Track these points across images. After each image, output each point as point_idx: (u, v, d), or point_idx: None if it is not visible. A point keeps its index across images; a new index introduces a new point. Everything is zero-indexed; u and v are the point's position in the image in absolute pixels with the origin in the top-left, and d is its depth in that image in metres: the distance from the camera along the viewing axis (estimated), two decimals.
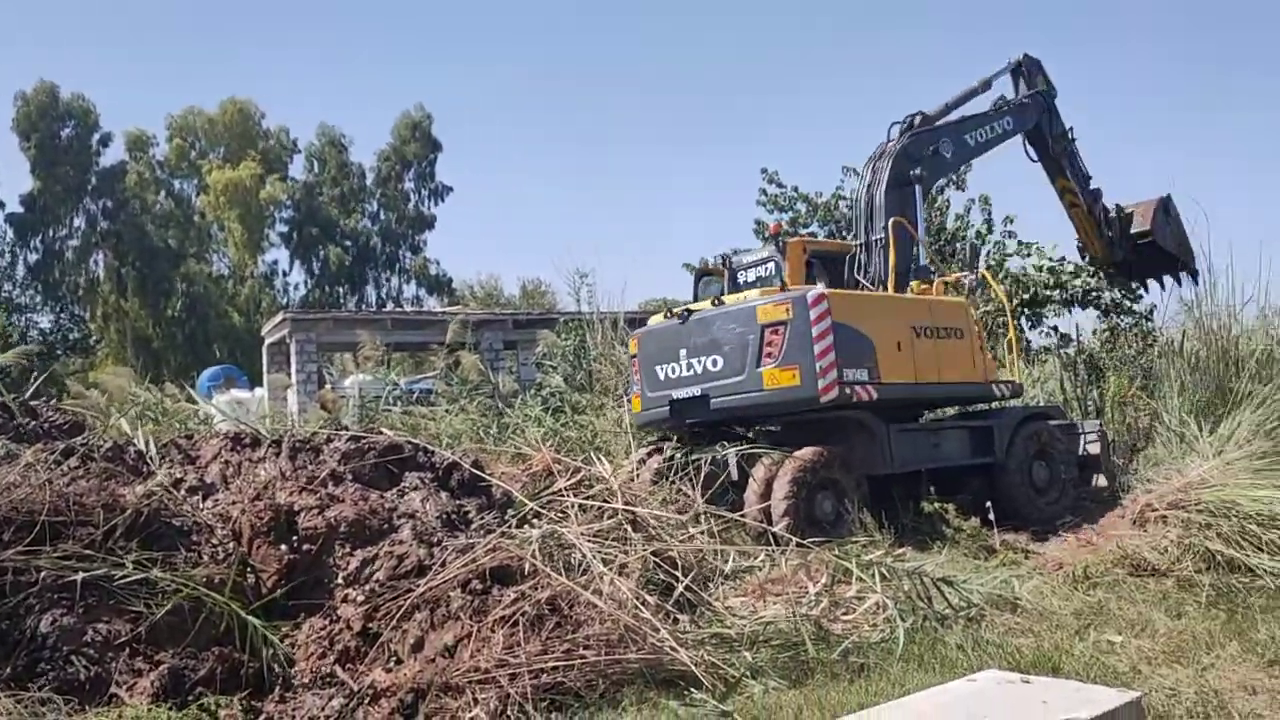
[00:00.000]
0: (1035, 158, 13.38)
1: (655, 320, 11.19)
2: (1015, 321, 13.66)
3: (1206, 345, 13.20)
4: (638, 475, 9.58)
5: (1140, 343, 14.72)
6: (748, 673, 5.23)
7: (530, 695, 4.71)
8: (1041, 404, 12.79)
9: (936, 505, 9.02)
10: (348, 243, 54.64)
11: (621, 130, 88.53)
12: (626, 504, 6.78)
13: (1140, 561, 7.45)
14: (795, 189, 25.53)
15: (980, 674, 3.41)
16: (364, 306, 51.80)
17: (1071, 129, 13.61)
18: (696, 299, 10.98)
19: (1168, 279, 14.69)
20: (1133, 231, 14.00)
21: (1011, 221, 18.18)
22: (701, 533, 7.28)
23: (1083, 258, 14.96)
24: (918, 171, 11.33)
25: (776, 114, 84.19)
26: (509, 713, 4.65)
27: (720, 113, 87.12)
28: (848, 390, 9.33)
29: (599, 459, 8.25)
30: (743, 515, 8.77)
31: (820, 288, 9.79)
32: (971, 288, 11.00)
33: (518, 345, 25.65)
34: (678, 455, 9.50)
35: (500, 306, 44.38)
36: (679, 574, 6.15)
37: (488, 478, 7.45)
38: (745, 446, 9.56)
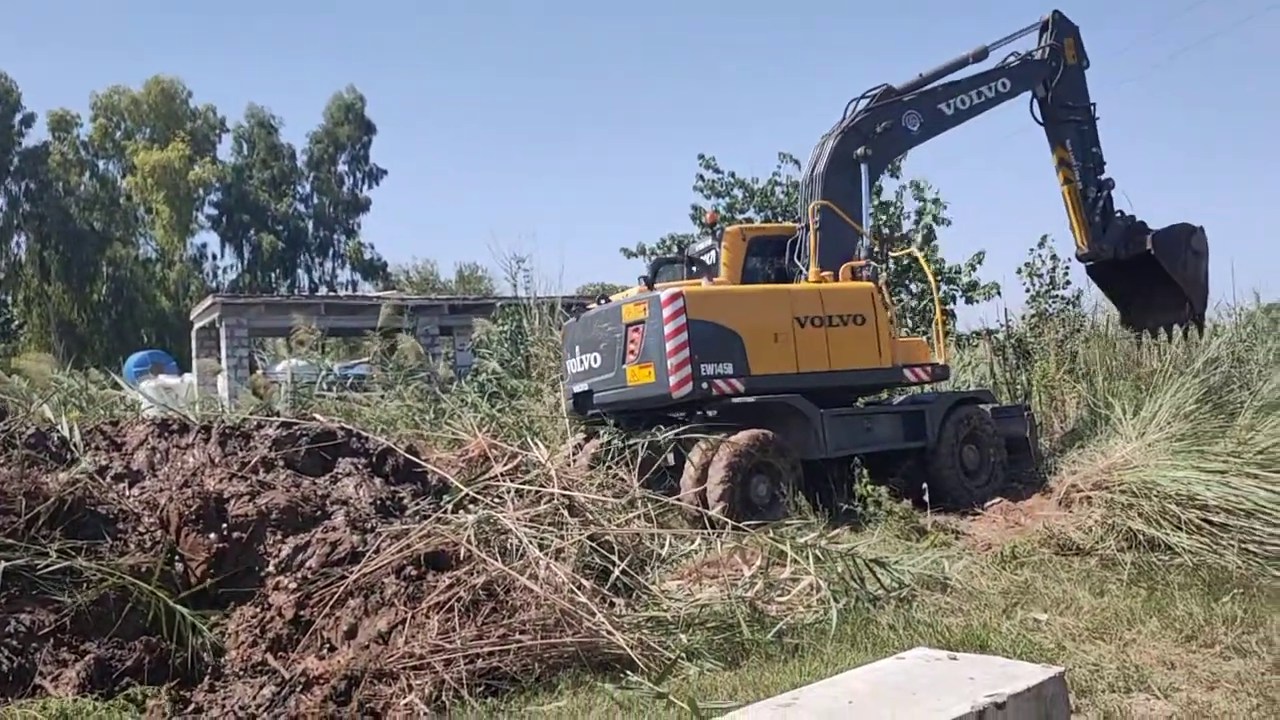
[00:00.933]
0: (1040, 121, 12.62)
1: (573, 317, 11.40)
2: (942, 305, 13.71)
3: (1129, 332, 13.53)
4: (574, 460, 9.69)
5: (1067, 327, 15.01)
6: (683, 655, 5.26)
7: (465, 680, 4.70)
8: (972, 388, 12.96)
9: (869, 488, 9.13)
10: (279, 227, 53.68)
11: (559, 114, 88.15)
12: (563, 489, 6.78)
13: (1065, 541, 7.63)
14: (732, 174, 25.57)
15: (909, 652, 3.46)
16: (296, 291, 50.96)
17: (1094, 105, 12.79)
18: (651, 286, 10.84)
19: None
20: (1133, 233, 12.63)
21: (941, 207, 18.45)
22: (638, 517, 7.32)
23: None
24: (861, 150, 11.08)
25: (714, 99, 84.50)
26: (444, 698, 4.64)
27: (658, 97, 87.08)
28: (705, 385, 9.47)
29: (535, 444, 8.24)
30: (679, 499, 8.87)
31: (676, 287, 9.87)
32: (873, 274, 10.81)
33: (454, 331, 25.45)
34: (615, 440, 9.60)
35: (436, 291, 43.93)
36: (615, 558, 6.17)
37: (423, 463, 7.40)
38: (680, 430, 9.58)
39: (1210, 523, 7.04)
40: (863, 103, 11.51)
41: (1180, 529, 7.11)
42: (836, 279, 10.64)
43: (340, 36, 77.35)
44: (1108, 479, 7.77)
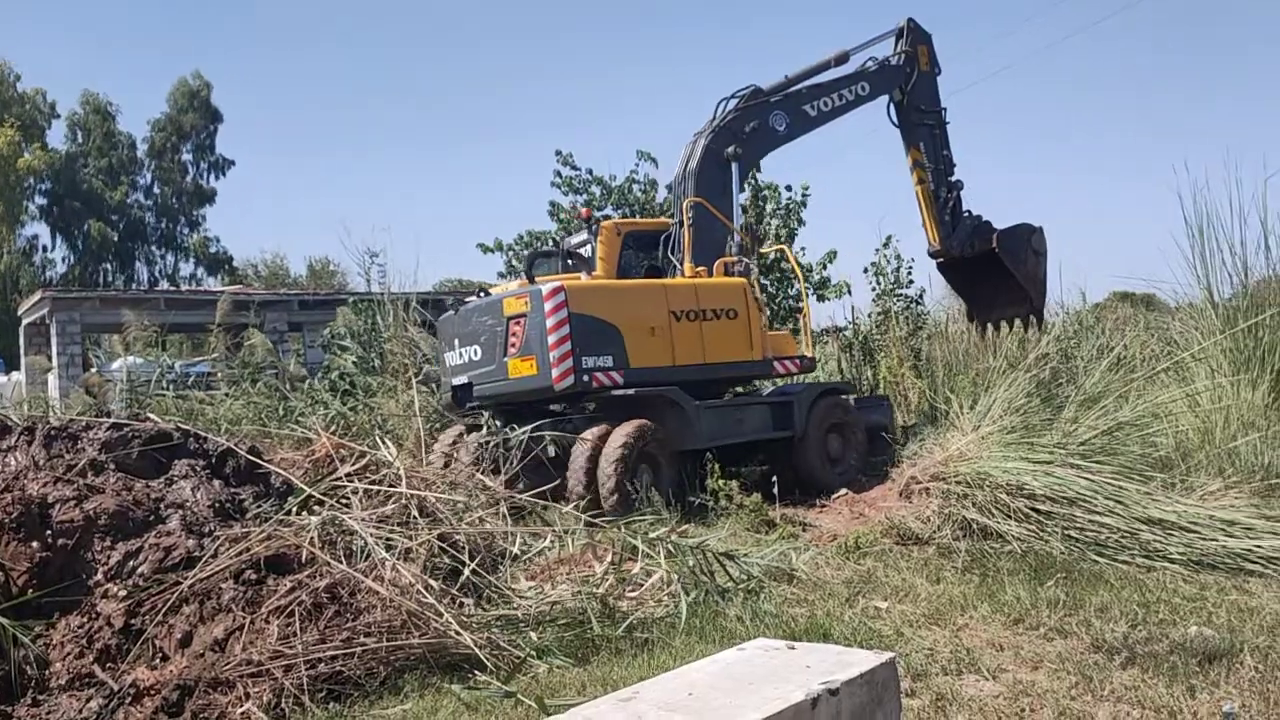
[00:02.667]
0: (896, 123, 13.13)
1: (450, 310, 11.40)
2: (808, 299, 14.12)
3: (969, 329, 14.16)
4: (455, 454, 9.90)
5: (910, 325, 15.57)
6: (533, 653, 5.24)
7: (307, 686, 4.58)
8: (836, 380, 13.38)
9: (720, 482, 9.31)
10: (114, 217, 51.03)
11: (412, 107, 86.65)
12: (412, 489, 6.66)
13: (905, 531, 7.91)
14: (589, 171, 25.56)
15: (749, 643, 3.53)
16: (135, 285, 48.61)
17: (945, 110, 13.36)
18: (532, 280, 11.02)
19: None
20: (980, 232, 13.26)
21: (802, 207, 18.85)
22: (493, 515, 7.24)
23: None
24: (732, 149, 11.32)
25: (572, 97, 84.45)
26: (283, 705, 4.50)
27: (515, 92, 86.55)
28: (585, 378, 9.66)
29: (385, 443, 8.08)
30: (565, 491, 8.97)
31: (557, 282, 10.00)
32: (745, 270, 11.08)
33: (304, 327, 24.75)
34: (492, 434, 9.70)
35: (286, 286, 42.61)
36: (466, 558, 6.10)
37: (265, 464, 7.15)
38: (543, 422, 9.67)
39: (1037, 511, 7.39)
40: (732, 103, 11.78)
41: (1010, 517, 7.44)
42: (710, 274, 10.89)
43: (186, 21, 74.22)
44: (945, 471, 8.08)
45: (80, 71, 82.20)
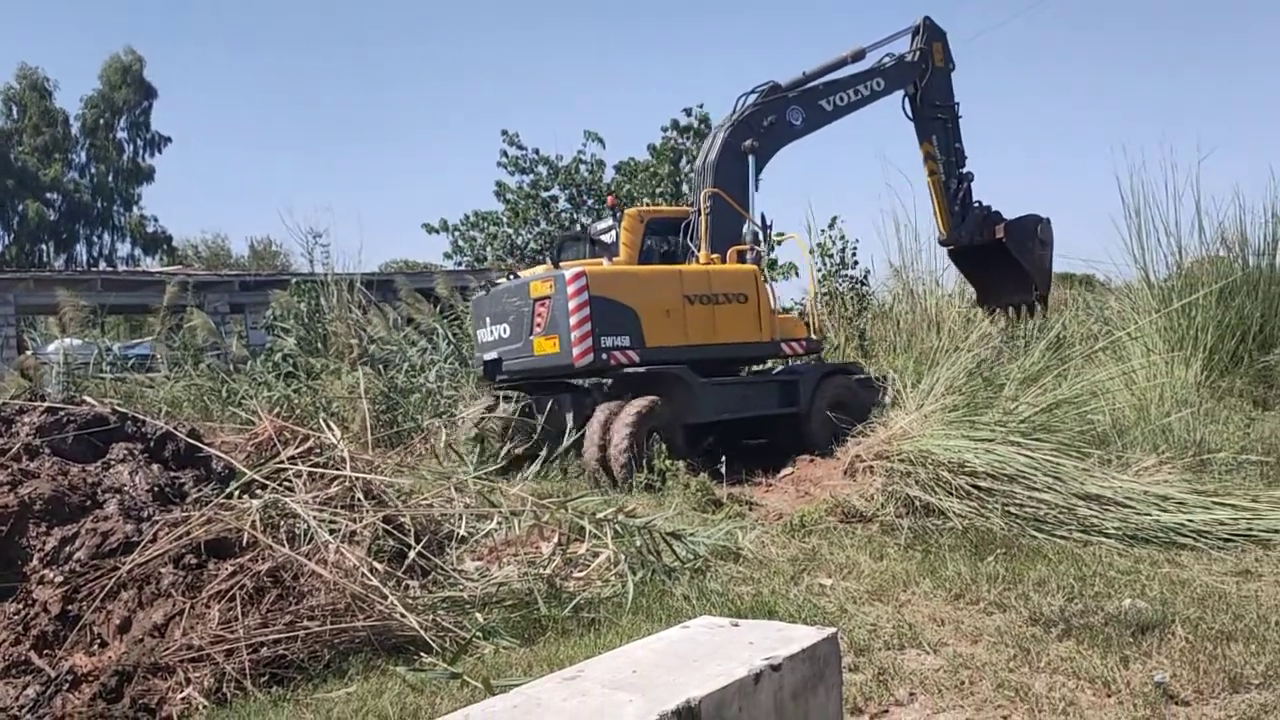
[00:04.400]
0: (910, 117, 13.64)
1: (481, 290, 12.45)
2: (816, 283, 14.48)
3: (913, 309, 14.35)
4: (483, 423, 11.14)
5: (855, 305, 15.74)
6: (479, 634, 5.23)
7: (249, 670, 4.53)
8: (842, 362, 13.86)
9: (667, 462, 9.40)
10: (50, 195, 49.74)
11: (354, 84, 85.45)
12: (357, 471, 6.60)
13: (850, 509, 7.98)
14: (536, 151, 25.40)
15: (694, 621, 3.55)
16: (73, 266, 47.48)
17: (958, 105, 13.86)
18: (557, 263, 12.27)
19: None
20: (986, 222, 13.88)
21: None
22: (444, 498, 7.19)
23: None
24: (749, 143, 11.90)
25: (517, 77, 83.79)
26: (225, 690, 4.45)
27: (458, 70, 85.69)
28: (604, 356, 10.49)
29: (329, 426, 7.99)
30: (580, 458, 10.08)
31: (579, 267, 10.79)
32: (756, 258, 11.75)
33: (246, 308, 24.38)
34: (515, 406, 10.96)
35: (228, 267, 41.93)
36: (412, 540, 6.07)
37: (206, 448, 7.05)
38: (573, 393, 11.00)
39: (978, 488, 7.50)
40: (751, 98, 12.38)
41: (952, 494, 7.55)
42: (725, 261, 11.62)
43: None
44: (888, 449, 8.18)
45: (10, 47, 79.82)
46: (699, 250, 11.73)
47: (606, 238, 12.18)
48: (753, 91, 12.38)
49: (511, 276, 11.75)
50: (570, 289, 10.42)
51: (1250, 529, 6.78)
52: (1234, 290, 11.65)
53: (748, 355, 12.19)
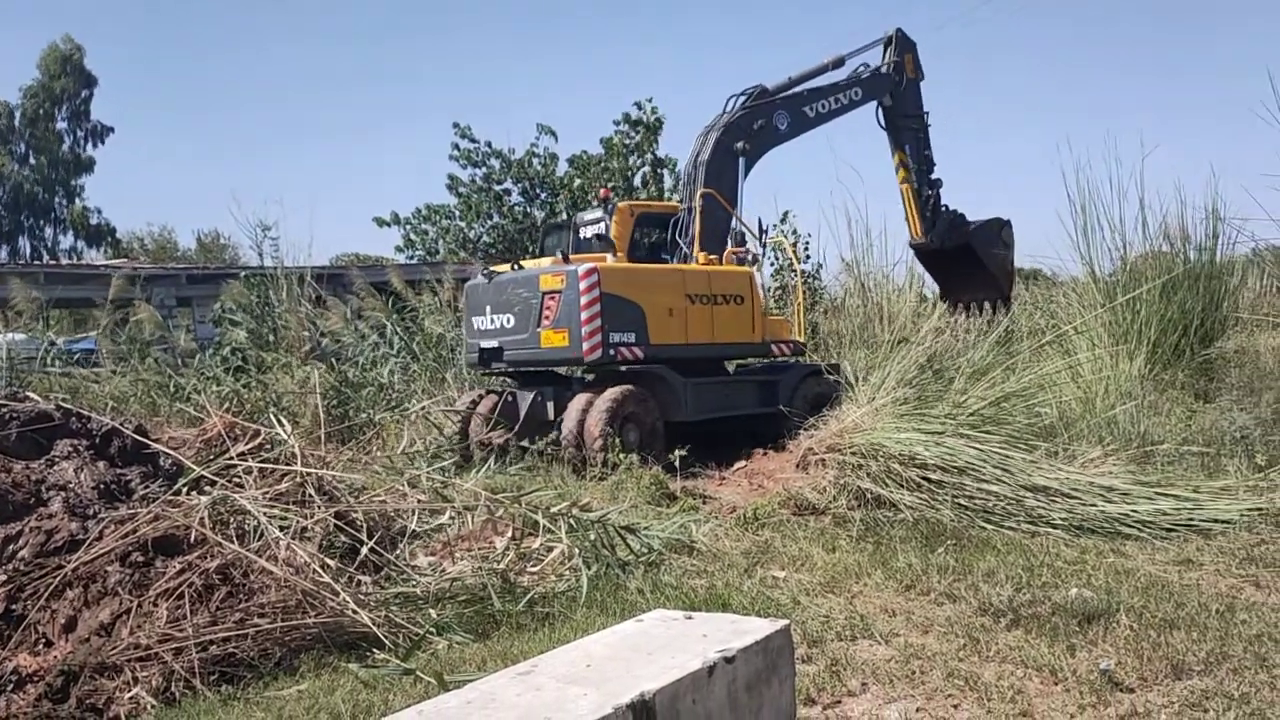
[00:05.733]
0: (883, 126, 14.11)
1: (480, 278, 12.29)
2: (803, 286, 14.62)
3: (865, 304, 14.49)
4: (470, 415, 11.40)
5: (807, 300, 15.84)
6: (432, 630, 5.20)
7: (198, 669, 4.47)
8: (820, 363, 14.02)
9: (620, 455, 9.41)
10: None
11: (300, 75, 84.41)
12: (308, 467, 6.53)
13: (803, 502, 8.04)
14: (489, 144, 25.24)
15: (648, 614, 3.56)
16: (16, 259, 46.45)
17: (928, 114, 14.38)
18: (543, 251, 12.68)
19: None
20: (957, 228, 14.45)
21: None
22: (397, 493, 7.13)
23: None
24: (740, 145, 12.17)
25: (469, 67, 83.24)
26: (174, 689, 4.39)
27: (407, 62, 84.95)
28: (612, 351, 10.71)
29: (280, 421, 7.89)
30: (557, 444, 10.26)
31: (591, 262, 10.94)
32: (755, 259, 12.07)
33: (193, 302, 24.01)
34: (503, 397, 11.26)
35: (174, 260, 41.24)
36: (365, 536, 6.01)
37: (153, 444, 6.94)
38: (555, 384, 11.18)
39: (929, 480, 7.59)
40: (740, 99, 12.67)
41: (903, 487, 7.63)
42: (720, 262, 11.85)
43: None
44: (840, 442, 8.24)
45: None
46: (691, 248, 11.91)
47: (594, 229, 12.24)
48: (742, 94, 12.66)
49: (516, 267, 11.73)
50: (583, 284, 10.57)
51: (1192, 519, 6.93)
52: (1176, 285, 11.87)
53: (741, 354, 12.52)
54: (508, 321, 11.39)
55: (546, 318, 10.88)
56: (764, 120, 12.55)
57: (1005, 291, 14.68)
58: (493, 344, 11.62)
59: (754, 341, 11.97)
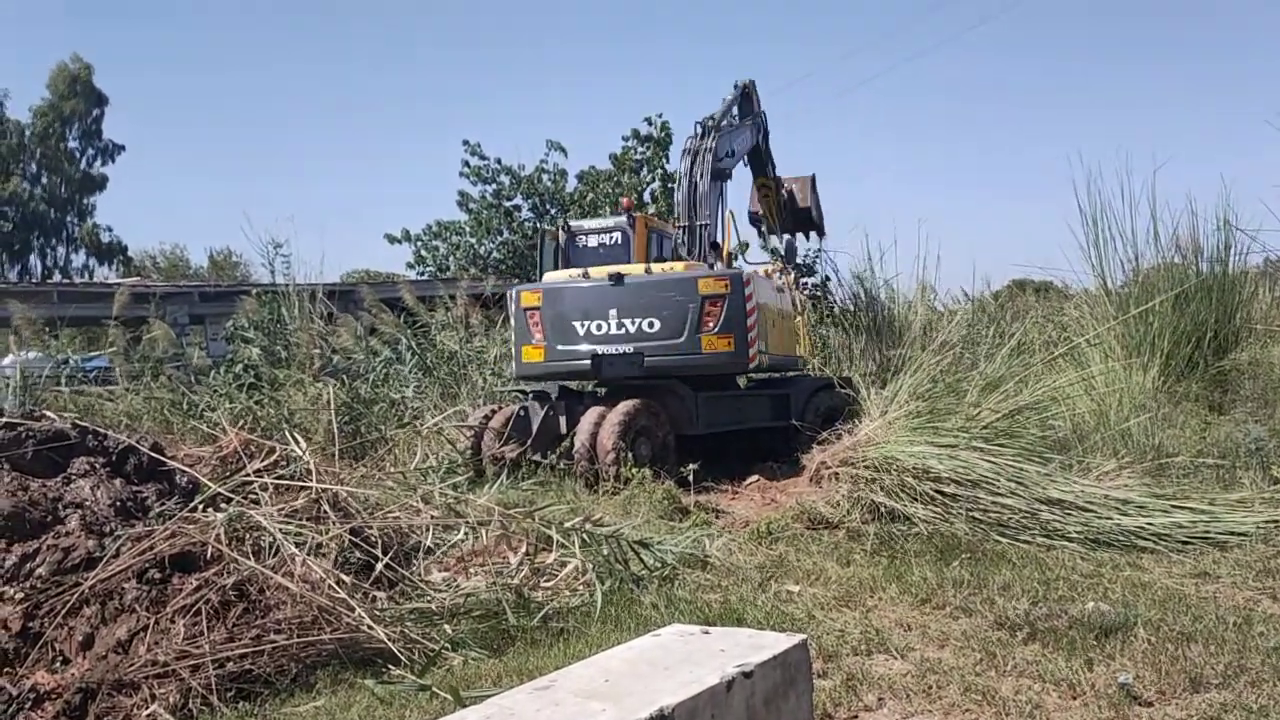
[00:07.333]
0: (747, 162, 14.69)
1: (556, 277, 11.97)
2: (807, 302, 14.80)
3: (873, 317, 14.49)
4: (483, 429, 11.11)
5: (817, 314, 15.86)
6: (447, 645, 5.21)
7: (215, 685, 4.48)
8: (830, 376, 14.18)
9: (633, 470, 9.41)
10: (6, 208, 48.96)
11: (310, 93, 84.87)
12: (323, 483, 6.54)
13: (816, 516, 8.03)
14: (499, 160, 25.33)
15: (665, 629, 3.56)
16: (28, 278, 46.72)
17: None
18: (542, 257, 12.76)
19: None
20: (799, 206, 15.67)
21: None
22: (411, 509, 7.14)
23: (750, 222, 16.31)
24: (723, 167, 12.63)
25: (477, 85, 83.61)
26: (191, 706, 4.40)
27: (420, 79, 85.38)
28: (761, 358, 11.07)
29: (294, 437, 7.92)
30: (569, 457, 10.27)
31: (748, 270, 11.40)
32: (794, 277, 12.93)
33: (206, 319, 24.13)
34: (517, 411, 11.17)
35: (186, 278, 41.44)
36: (379, 552, 6.02)
37: (170, 461, 6.96)
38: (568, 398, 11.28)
39: (942, 493, 7.58)
40: (700, 128, 12.97)
41: (917, 500, 7.61)
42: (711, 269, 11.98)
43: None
44: (853, 455, 8.23)
45: None
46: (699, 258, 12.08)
47: (607, 239, 12.39)
48: (709, 118, 12.96)
49: (648, 271, 11.40)
50: (747, 290, 10.84)
51: (1208, 531, 6.90)
52: (1189, 296, 11.84)
53: (788, 365, 12.91)
54: (649, 325, 10.96)
55: (708, 324, 10.76)
56: (730, 148, 13.08)
57: (821, 228, 16.10)
58: (623, 349, 11.04)
59: (799, 355, 12.55)
